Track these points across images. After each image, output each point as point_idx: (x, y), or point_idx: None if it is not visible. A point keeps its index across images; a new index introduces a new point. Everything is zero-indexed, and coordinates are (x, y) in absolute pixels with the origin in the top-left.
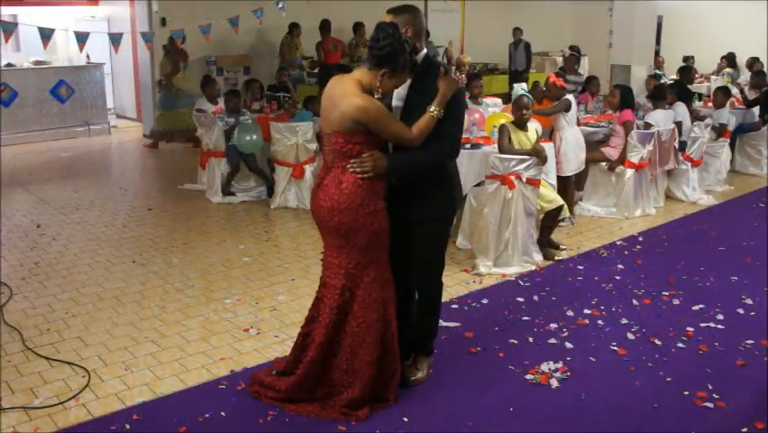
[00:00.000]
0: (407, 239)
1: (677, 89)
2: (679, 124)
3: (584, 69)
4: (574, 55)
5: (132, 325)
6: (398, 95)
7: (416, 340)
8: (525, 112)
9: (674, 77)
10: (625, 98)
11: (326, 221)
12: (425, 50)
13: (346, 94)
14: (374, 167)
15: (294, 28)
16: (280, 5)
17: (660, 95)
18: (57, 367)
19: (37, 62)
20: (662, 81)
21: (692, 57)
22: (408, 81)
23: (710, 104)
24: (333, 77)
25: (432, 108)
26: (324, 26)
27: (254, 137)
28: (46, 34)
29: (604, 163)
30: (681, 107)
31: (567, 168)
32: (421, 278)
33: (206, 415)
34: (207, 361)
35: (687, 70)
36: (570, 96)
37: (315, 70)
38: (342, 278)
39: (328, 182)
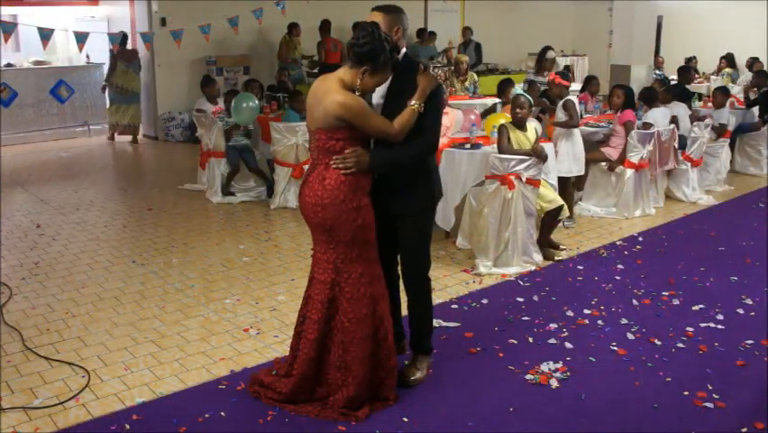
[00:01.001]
0: (392, 233)
1: (677, 90)
2: (674, 119)
3: (584, 68)
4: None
5: (131, 325)
6: (379, 92)
7: (414, 340)
8: (518, 111)
9: (674, 77)
10: (627, 99)
11: (311, 217)
12: (404, 50)
13: (329, 91)
14: (357, 163)
15: (293, 28)
16: (280, 6)
17: (651, 96)
18: (57, 367)
19: (37, 62)
20: (664, 82)
21: (695, 57)
22: (389, 80)
23: (710, 104)
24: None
25: (413, 102)
26: (325, 26)
27: (251, 104)
28: (45, 34)
29: (604, 163)
30: (678, 106)
31: (560, 168)
32: (411, 276)
33: (206, 415)
34: (207, 361)
35: (686, 71)
36: (572, 97)
37: (316, 70)
38: (330, 272)
39: (312, 179)
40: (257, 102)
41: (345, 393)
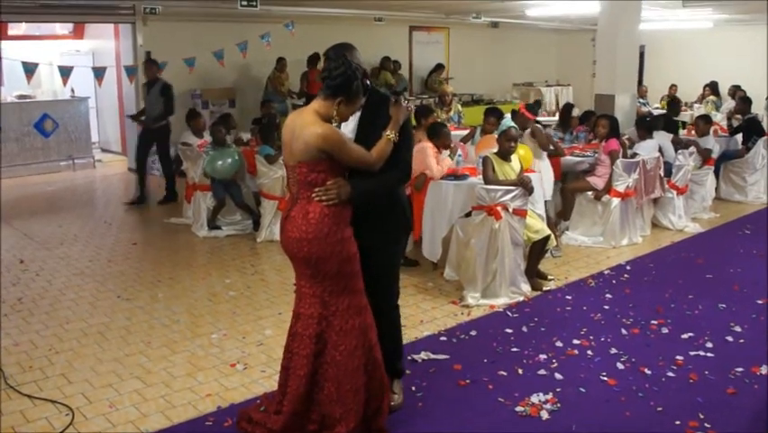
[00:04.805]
0: (366, 263)
1: (664, 120)
2: (659, 149)
3: (569, 98)
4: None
5: (116, 361)
6: (349, 126)
7: (388, 366)
8: (513, 144)
9: (657, 105)
10: (612, 128)
11: (296, 252)
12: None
13: (306, 124)
14: (338, 194)
15: (279, 63)
16: (264, 39)
17: (647, 126)
18: (40, 405)
19: (21, 96)
20: (647, 109)
21: (675, 85)
22: (357, 115)
23: (693, 132)
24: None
25: (388, 132)
26: (313, 59)
27: (228, 161)
28: (30, 68)
29: (590, 192)
30: (661, 135)
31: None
32: (381, 302)
33: None
34: (193, 397)
35: (675, 103)
36: (538, 126)
37: (301, 102)
38: (317, 306)
39: (295, 213)
40: (234, 158)
41: (345, 427)
